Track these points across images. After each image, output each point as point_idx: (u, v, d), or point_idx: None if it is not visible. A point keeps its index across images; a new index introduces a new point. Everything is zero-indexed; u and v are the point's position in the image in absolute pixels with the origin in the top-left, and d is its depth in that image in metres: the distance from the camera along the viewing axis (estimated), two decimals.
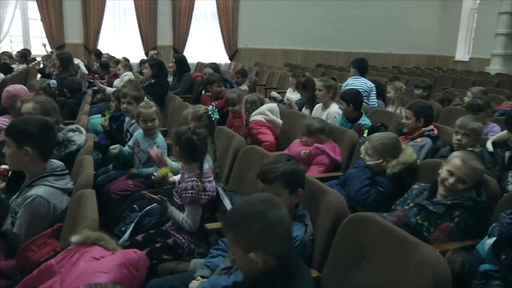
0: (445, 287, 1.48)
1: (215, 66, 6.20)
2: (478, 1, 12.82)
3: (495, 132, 3.54)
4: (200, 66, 9.58)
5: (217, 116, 3.11)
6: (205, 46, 11.62)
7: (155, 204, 2.60)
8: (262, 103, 3.98)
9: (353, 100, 3.86)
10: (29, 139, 2.04)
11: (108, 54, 8.68)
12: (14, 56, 8.50)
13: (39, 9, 9.86)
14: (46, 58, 7.77)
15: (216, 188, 2.46)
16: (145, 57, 9.39)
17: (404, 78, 8.09)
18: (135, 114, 3.37)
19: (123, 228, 2.65)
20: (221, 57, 11.46)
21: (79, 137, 2.78)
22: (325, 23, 12.02)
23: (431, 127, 3.43)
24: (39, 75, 7.46)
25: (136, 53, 10.35)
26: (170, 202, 2.45)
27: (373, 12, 12.41)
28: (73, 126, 2.90)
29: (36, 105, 2.81)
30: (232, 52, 11.67)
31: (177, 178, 2.67)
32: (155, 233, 2.46)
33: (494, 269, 1.94)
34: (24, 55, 8.46)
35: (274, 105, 4.03)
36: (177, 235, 2.38)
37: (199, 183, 2.31)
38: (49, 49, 9.11)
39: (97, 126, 4.31)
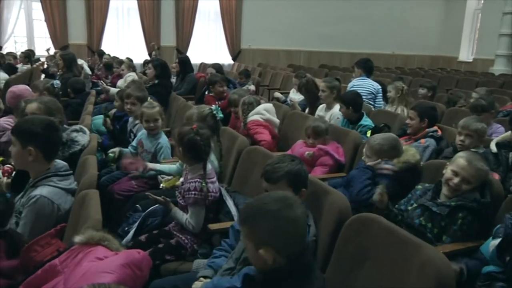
0: None
1: (218, 67, 6.21)
2: (482, 1, 12.78)
3: (499, 133, 3.53)
4: (203, 66, 9.59)
5: (221, 115, 3.12)
6: (208, 46, 11.64)
7: (158, 204, 2.61)
8: (259, 104, 3.99)
9: (353, 102, 3.86)
10: (33, 139, 2.05)
11: (109, 55, 8.71)
12: (18, 56, 8.54)
13: (43, 9, 9.91)
14: (50, 58, 7.80)
15: (219, 189, 2.46)
16: (148, 58, 9.43)
17: (408, 79, 8.08)
18: (139, 114, 3.38)
19: (126, 228, 2.65)
20: (224, 58, 11.47)
21: (83, 138, 2.79)
22: (328, 23, 12.01)
23: (435, 128, 3.42)
24: (42, 76, 7.48)
25: (139, 54, 10.38)
26: (173, 203, 2.45)
27: (376, 12, 12.39)
28: (77, 127, 2.91)
29: (40, 105, 2.82)
30: (235, 53, 11.68)
31: (181, 180, 2.67)
32: (158, 233, 2.46)
33: (498, 271, 1.93)
34: (28, 55, 8.49)
35: (269, 105, 4.04)
36: (180, 236, 2.38)
37: (203, 184, 2.31)
38: (52, 52, 9.13)
39: (101, 127, 4.32)
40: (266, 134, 3.69)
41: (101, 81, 6.26)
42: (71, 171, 2.25)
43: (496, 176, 2.61)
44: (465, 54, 13.33)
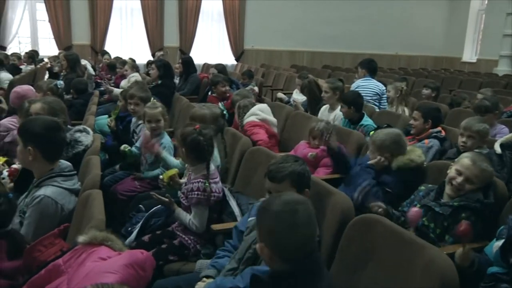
0: None
1: (221, 67, 6.20)
2: (486, 2, 12.74)
3: (503, 134, 3.52)
4: (206, 67, 9.60)
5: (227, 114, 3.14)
6: (211, 47, 11.65)
7: (161, 205, 2.61)
8: (253, 106, 3.99)
9: (354, 102, 3.85)
10: (32, 139, 2.07)
11: (109, 55, 8.73)
12: (22, 57, 8.57)
13: (47, 10, 9.94)
14: (53, 59, 7.82)
15: (223, 189, 2.47)
16: (151, 58, 9.44)
17: (411, 80, 8.06)
18: (142, 114, 3.39)
19: (130, 228, 2.66)
20: (228, 58, 11.47)
21: (86, 138, 2.80)
22: (331, 24, 11.99)
23: (439, 128, 3.41)
24: (46, 75, 7.51)
25: (142, 54, 10.40)
26: (176, 203, 2.46)
27: (380, 13, 12.37)
28: (80, 127, 2.92)
29: (44, 106, 2.83)
30: (239, 53, 11.69)
31: (184, 180, 2.67)
32: (162, 234, 2.47)
33: (502, 272, 1.92)
34: (32, 56, 8.52)
35: (264, 105, 4.05)
36: (183, 236, 2.38)
37: (206, 184, 2.31)
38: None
39: (104, 127, 4.33)
40: (262, 133, 3.69)
41: (105, 82, 6.27)
42: (75, 172, 2.25)
43: None
44: (469, 55, 13.29)
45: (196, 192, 2.31)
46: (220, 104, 4.67)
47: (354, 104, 3.83)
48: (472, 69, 11.95)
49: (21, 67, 7.82)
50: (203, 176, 2.35)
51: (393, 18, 12.61)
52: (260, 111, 3.87)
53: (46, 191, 2.03)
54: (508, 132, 3.51)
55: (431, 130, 3.39)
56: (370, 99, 4.87)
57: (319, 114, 4.34)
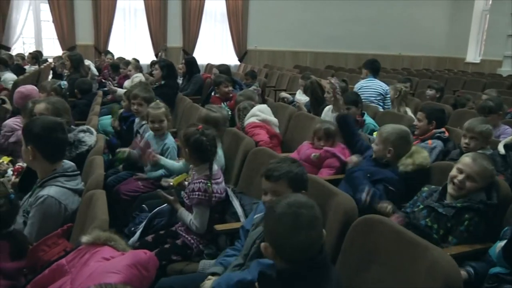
0: None
1: (225, 68, 6.19)
2: (490, 2, 12.69)
3: (507, 135, 3.51)
4: (209, 67, 9.61)
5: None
6: (214, 47, 11.66)
7: (165, 204, 2.62)
8: (253, 107, 3.99)
9: (354, 103, 3.85)
10: (31, 138, 2.09)
11: (112, 55, 8.75)
12: (26, 57, 8.61)
13: (51, 11, 9.97)
14: (57, 59, 7.85)
15: (226, 189, 2.47)
16: (155, 58, 9.45)
17: (414, 80, 8.05)
18: (145, 114, 3.40)
19: (133, 228, 2.66)
20: (231, 59, 11.48)
21: (90, 138, 2.81)
22: (334, 24, 11.99)
23: (442, 129, 3.40)
24: (50, 75, 7.53)
25: (146, 55, 10.42)
26: (181, 203, 2.46)
27: (383, 13, 12.35)
28: (84, 127, 2.93)
29: (48, 106, 2.84)
30: (242, 54, 11.69)
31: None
32: (165, 234, 2.47)
33: (505, 272, 1.92)
34: (36, 56, 8.55)
35: (263, 106, 4.05)
36: (186, 236, 2.38)
37: (208, 184, 2.31)
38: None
39: (107, 127, 4.34)
40: (263, 134, 3.69)
41: (109, 82, 6.29)
42: (78, 172, 2.26)
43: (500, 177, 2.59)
44: (473, 55, 13.25)
45: (197, 193, 2.31)
46: (223, 104, 4.67)
47: (354, 105, 3.83)
48: (476, 70, 11.91)
49: (25, 67, 7.85)
50: (206, 177, 2.35)
51: (396, 18, 12.59)
52: (260, 112, 3.87)
53: (50, 191, 2.04)
54: None
55: (434, 131, 3.38)
56: (374, 100, 4.86)
57: (323, 115, 4.33)
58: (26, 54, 8.95)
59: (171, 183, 2.68)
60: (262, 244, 1.47)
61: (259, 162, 2.77)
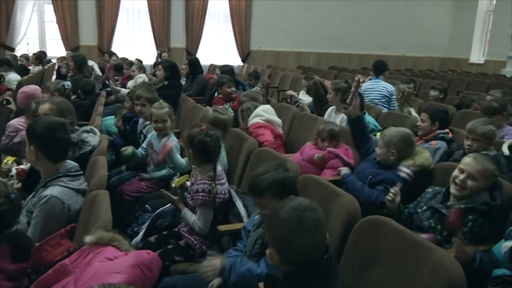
0: None
1: (229, 69, 6.18)
2: (494, 2, 12.64)
3: (511, 135, 3.49)
4: (213, 68, 9.61)
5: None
6: (217, 48, 11.67)
7: (168, 205, 2.62)
8: (256, 108, 3.99)
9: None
10: (34, 138, 2.11)
11: (116, 56, 8.77)
12: (30, 58, 8.64)
13: (55, 11, 10.00)
14: (61, 59, 7.88)
15: (229, 190, 2.47)
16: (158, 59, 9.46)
17: (418, 81, 8.03)
18: (149, 115, 3.40)
19: (136, 229, 2.67)
20: (234, 59, 11.48)
21: (93, 138, 2.81)
22: (337, 25, 11.97)
23: (446, 130, 3.40)
24: (54, 76, 7.56)
25: (149, 55, 10.44)
26: (184, 204, 2.46)
27: (386, 14, 12.33)
28: (87, 127, 2.94)
29: (53, 106, 2.85)
30: (245, 54, 11.70)
31: (189, 183, 2.68)
32: (168, 234, 2.47)
33: (510, 274, 1.91)
34: (40, 57, 8.58)
35: (267, 106, 4.05)
36: (189, 237, 2.38)
37: (212, 185, 2.31)
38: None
39: (111, 127, 4.35)
40: (268, 134, 3.69)
41: (110, 82, 6.30)
42: (81, 172, 2.26)
43: None
44: (476, 56, 13.21)
45: (201, 194, 2.31)
46: (226, 105, 4.68)
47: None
48: (480, 70, 11.88)
49: (29, 68, 7.88)
50: (209, 178, 2.35)
51: (400, 19, 12.57)
52: (264, 112, 3.87)
53: (53, 191, 2.04)
54: None
55: (438, 131, 3.37)
56: (379, 102, 4.86)
57: (326, 116, 4.33)
58: (30, 55, 8.98)
59: (173, 185, 2.68)
60: (268, 251, 1.47)
61: (262, 162, 2.76)
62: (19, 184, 2.58)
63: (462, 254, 1.91)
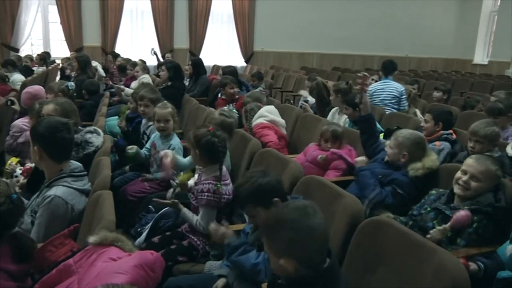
0: None
1: (232, 69, 6.19)
2: (499, 3, 12.58)
3: None
4: (216, 68, 9.62)
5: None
6: (221, 49, 11.68)
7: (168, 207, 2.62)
8: (260, 108, 3.99)
9: (354, 105, 3.84)
10: (37, 139, 2.12)
11: (121, 57, 8.77)
12: (34, 59, 8.68)
13: (59, 12, 10.04)
14: (66, 60, 7.92)
15: (233, 191, 2.46)
16: (161, 60, 9.47)
17: (421, 82, 8.01)
18: (152, 115, 3.41)
19: (139, 229, 2.67)
20: (237, 60, 11.49)
21: (97, 139, 2.82)
22: (341, 26, 11.96)
23: (450, 131, 3.39)
24: (58, 77, 7.59)
25: (152, 56, 10.44)
26: (185, 204, 2.46)
27: (390, 15, 12.31)
28: (91, 128, 2.94)
29: (57, 107, 2.85)
30: (248, 55, 11.70)
31: (192, 182, 2.68)
32: (171, 235, 2.47)
33: None
34: (44, 58, 8.62)
35: (271, 106, 4.05)
36: (192, 237, 2.39)
37: (218, 185, 2.31)
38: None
39: (114, 128, 4.36)
40: (272, 134, 3.70)
41: (111, 82, 6.32)
42: (85, 172, 2.27)
43: None
44: (480, 57, 13.15)
45: (206, 194, 2.32)
46: (230, 106, 4.68)
47: (353, 107, 3.82)
48: (484, 71, 11.83)
49: (33, 68, 7.91)
50: (215, 178, 2.35)
51: (403, 19, 12.53)
52: (268, 113, 3.88)
53: (57, 191, 2.05)
54: None
55: (441, 132, 3.37)
56: (389, 103, 4.85)
57: (329, 116, 4.33)
58: (34, 56, 9.03)
59: (176, 182, 2.67)
60: (278, 263, 1.39)
61: (265, 163, 2.77)
62: (25, 180, 2.59)
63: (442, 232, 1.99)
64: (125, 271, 1.25)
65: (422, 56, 13.40)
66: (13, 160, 2.88)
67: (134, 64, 6.96)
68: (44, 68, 8.06)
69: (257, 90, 5.48)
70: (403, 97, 4.88)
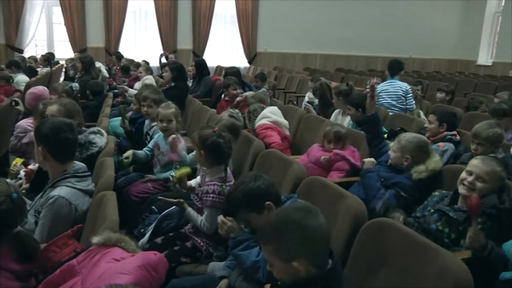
0: None
1: (235, 71, 6.18)
2: (503, 3, 12.54)
3: None
4: (219, 69, 9.63)
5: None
6: (224, 49, 11.69)
7: (173, 206, 2.62)
8: (263, 109, 4.00)
9: (362, 105, 3.82)
10: (41, 139, 2.13)
11: (125, 57, 8.79)
12: (38, 59, 8.71)
13: (63, 13, 10.08)
14: (70, 61, 7.94)
15: (225, 198, 2.46)
16: (165, 61, 9.49)
17: (425, 83, 7.99)
18: (155, 116, 3.41)
19: (142, 230, 2.68)
20: (241, 61, 11.50)
21: (101, 139, 2.83)
22: (344, 26, 11.95)
23: (454, 132, 3.38)
24: (62, 78, 7.62)
25: (156, 57, 10.46)
26: (188, 204, 2.47)
27: (393, 15, 12.29)
28: (95, 129, 2.95)
29: (61, 108, 2.86)
30: (252, 56, 11.71)
31: (193, 182, 2.68)
32: (174, 236, 2.48)
33: None
34: (48, 59, 8.65)
35: (274, 107, 4.06)
36: (196, 238, 2.39)
37: (223, 187, 2.31)
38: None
39: (118, 129, 4.37)
40: (275, 135, 3.70)
41: (118, 83, 6.33)
42: (89, 173, 2.28)
43: None
44: (484, 58, 13.11)
45: (211, 195, 2.32)
46: (235, 110, 4.68)
47: (362, 107, 3.80)
48: (488, 72, 11.79)
49: (37, 69, 7.95)
50: (220, 179, 2.35)
51: (406, 20, 12.51)
52: (271, 114, 3.88)
53: (61, 191, 2.06)
54: None
55: (445, 133, 3.36)
56: (396, 103, 4.85)
57: (332, 117, 4.32)
58: (39, 57, 9.06)
59: (173, 175, 2.64)
60: (292, 268, 1.35)
61: (268, 164, 2.77)
62: (27, 185, 2.60)
63: (477, 237, 1.92)
64: (129, 272, 1.26)
65: (425, 57, 13.37)
66: (17, 161, 2.89)
67: (138, 65, 6.97)
68: (48, 69, 8.09)
69: (260, 91, 5.48)
70: (409, 95, 4.87)
